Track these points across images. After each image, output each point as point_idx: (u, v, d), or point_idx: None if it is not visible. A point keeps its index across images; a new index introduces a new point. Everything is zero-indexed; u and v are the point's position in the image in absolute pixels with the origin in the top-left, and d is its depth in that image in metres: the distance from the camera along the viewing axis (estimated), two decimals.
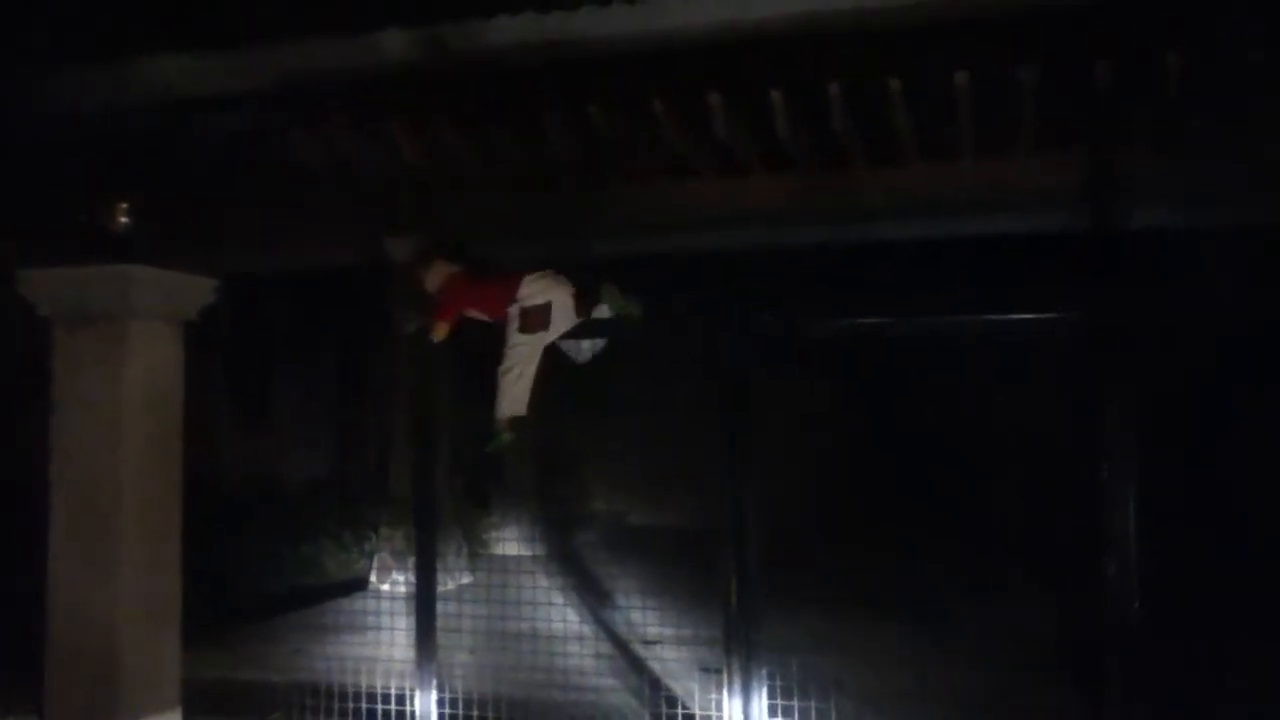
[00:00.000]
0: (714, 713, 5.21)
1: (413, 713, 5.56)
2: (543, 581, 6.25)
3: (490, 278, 5.46)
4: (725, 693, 5.15)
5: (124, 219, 5.62)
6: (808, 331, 5.66)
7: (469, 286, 5.43)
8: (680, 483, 7.48)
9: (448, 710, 5.53)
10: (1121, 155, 7.31)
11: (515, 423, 5.43)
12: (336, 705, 5.66)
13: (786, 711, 5.07)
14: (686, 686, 5.66)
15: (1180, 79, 6.44)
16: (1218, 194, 7.11)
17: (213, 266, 5.90)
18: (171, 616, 5.59)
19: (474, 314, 5.42)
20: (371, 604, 6.80)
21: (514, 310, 5.30)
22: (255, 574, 8.15)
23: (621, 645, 6.65)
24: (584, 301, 5.38)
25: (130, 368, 5.46)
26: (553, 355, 5.54)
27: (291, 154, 8.19)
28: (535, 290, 5.30)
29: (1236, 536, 6.27)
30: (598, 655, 6.24)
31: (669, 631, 6.27)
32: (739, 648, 5.15)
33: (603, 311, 5.39)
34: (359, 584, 8.12)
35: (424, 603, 5.68)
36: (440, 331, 5.37)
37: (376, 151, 8.24)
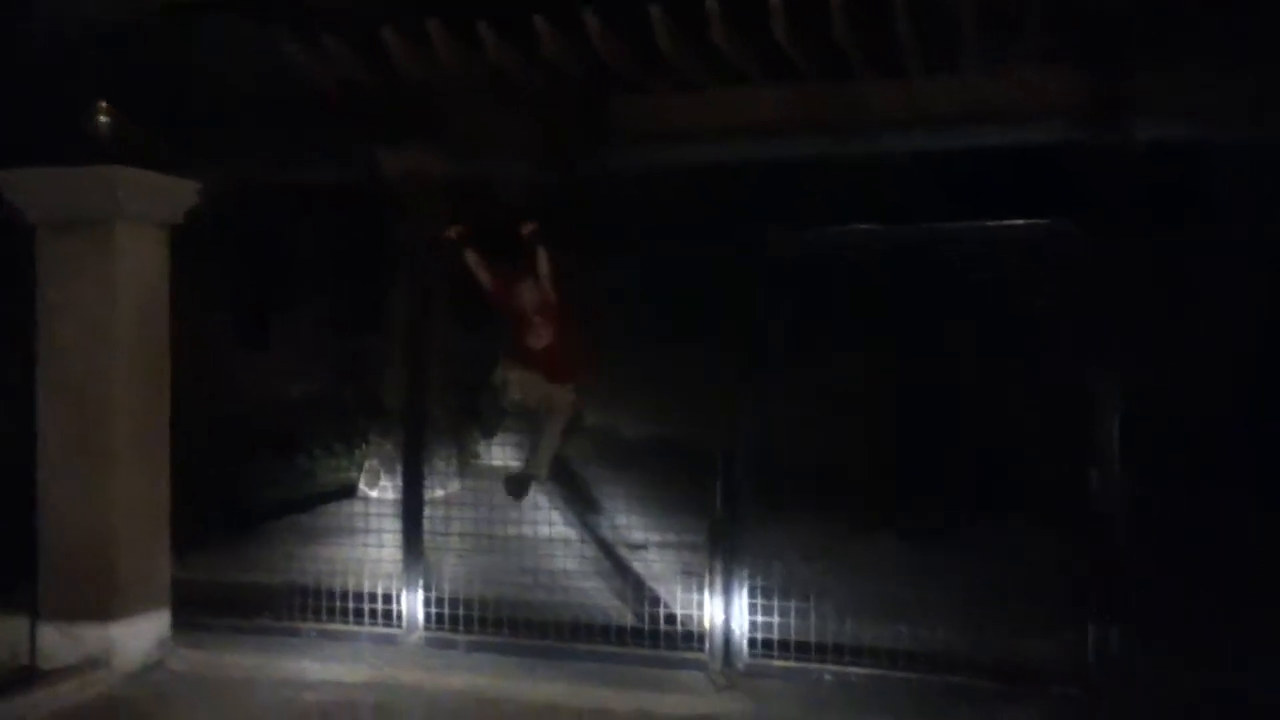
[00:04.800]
0: (695, 613, 5.30)
1: (399, 612, 5.66)
2: (532, 489, 6.28)
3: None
4: (707, 594, 5.23)
5: (110, 121, 5.56)
6: (808, 242, 5.65)
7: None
8: (675, 397, 7.49)
9: (434, 609, 5.63)
10: (1125, 68, 7.17)
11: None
12: (325, 604, 5.76)
13: (766, 611, 5.15)
14: (670, 589, 5.73)
15: None
16: (1221, 109, 6.98)
17: (202, 176, 5.86)
18: (161, 520, 5.67)
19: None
20: (360, 509, 6.86)
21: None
22: (249, 484, 8.23)
23: (607, 549, 6.73)
24: None
25: (118, 272, 5.46)
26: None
27: (282, 63, 8.06)
28: None
29: (1221, 454, 6.28)
30: (583, 558, 6.32)
31: (655, 537, 6.33)
32: (722, 552, 5.23)
33: None
34: (350, 491, 8.21)
35: (411, 507, 5.76)
36: None
37: (370, 62, 8.10)
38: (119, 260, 5.46)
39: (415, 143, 9.30)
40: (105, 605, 5.35)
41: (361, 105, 8.77)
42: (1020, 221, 5.21)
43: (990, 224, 5.33)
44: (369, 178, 9.28)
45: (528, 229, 5.89)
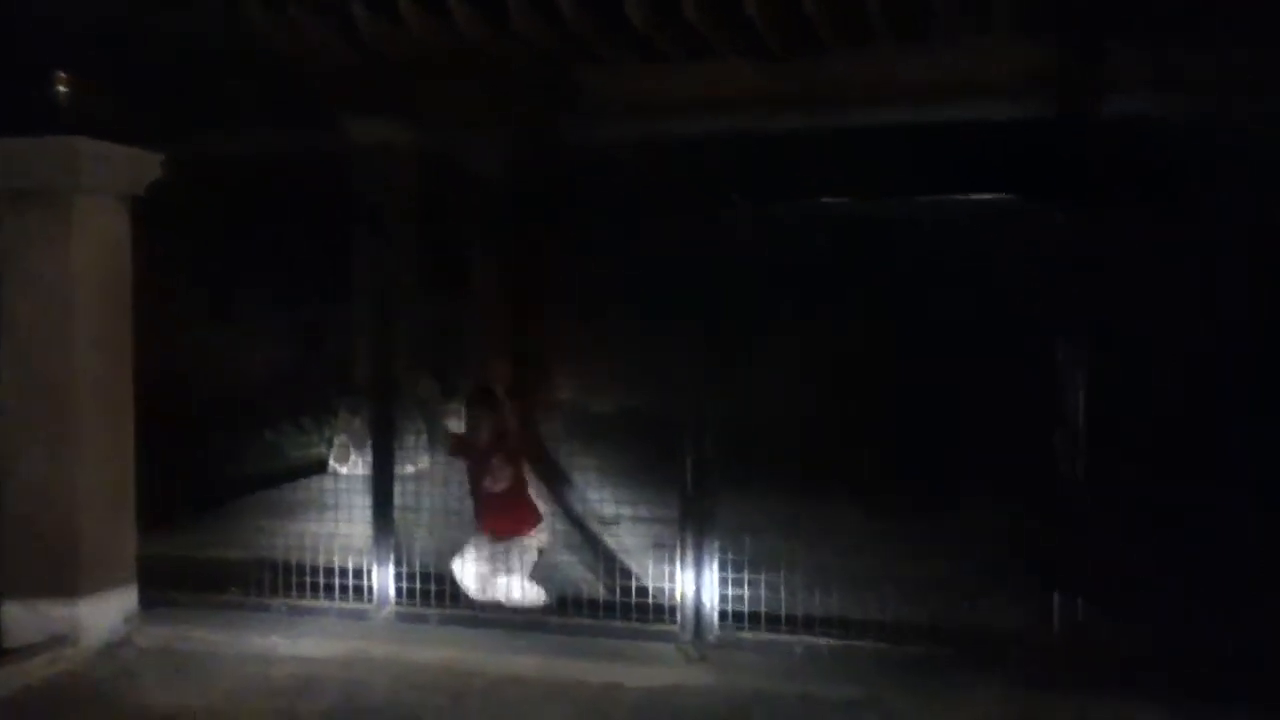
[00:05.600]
0: (666, 586, 5.32)
1: (370, 587, 5.64)
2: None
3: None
4: (678, 567, 5.25)
5: (69, 90, 5.46)
6: (777, 215, 5.65)
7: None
8: (645, 371, 7.48)
9: (405, 584, 5.62)
10: (1095, 42, 7.21)
11: None
12: (294, 580, 5.73)
13: (737, 584, 5.18)
14: (641, 562, 5.75)
15: None
16: (1190, 83, 7.03)
17: (167, 147, 5.77)
18: (127, 495, 5.61)
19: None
20: (330, 484, 6.82)
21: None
22: (217, 459, 8.17)
23: (579, 523, 6.74)
24: None
25: (79, 244, 5.38)
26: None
27: (249, 31, 7.94)
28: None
29: (1186, 425, 6.37)
30: (554, 532, 6.31)
31: (626, 511, 6.35)
32: (693, 526, 5.25)
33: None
34: (320, 467, 8.16)
35: (381, 482, 5.73)
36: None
37: (338, 32, 7.99)
38: (79, 233, 5.38)
39: (384, 113, 9.23)
40: (71, 582, 5.30)
41: (330, 75, 8.67)
42: (988, 196, 5.24)
43: (958, 198, 5.36)
44: (337, 148, 9.18)
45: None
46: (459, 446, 6.01)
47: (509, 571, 5.65)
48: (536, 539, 5.80)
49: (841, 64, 7.88)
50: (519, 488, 5.83)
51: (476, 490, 5.85)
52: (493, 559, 5.68)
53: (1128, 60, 7.02)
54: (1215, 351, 6.55)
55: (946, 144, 7.91)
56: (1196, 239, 6.53)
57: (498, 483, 5.77)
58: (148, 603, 5.61)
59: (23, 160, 5.30)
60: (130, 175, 5.56)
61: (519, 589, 5.66)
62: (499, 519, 5.79)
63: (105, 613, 5.39)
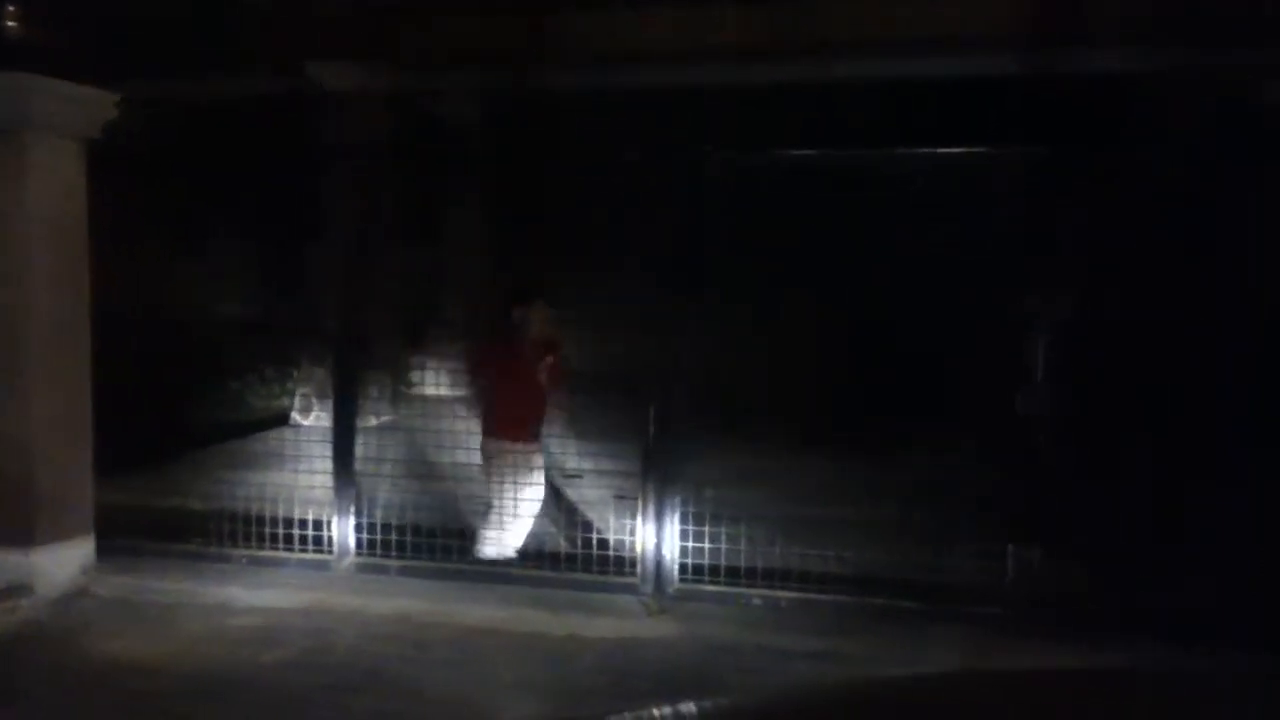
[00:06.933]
0: (628, 538, 5.33)
1: (330, 538, 5.62)
2: (468, 418, 6.24)
3: None
4: (639, 520, 5.26)
5: (21, 25, 5.31)
6: (747, 166, 5.61)
7: None
8: (611, 323, 7.43)
9: (365, 535, 5.60)
10: None
11: None
12: (255, 531, 5.69)
13: (698, 537, 5.20)
14: (603, 515, 5.76)
15: None
16: (1158, 40, 7.01)
17: (127, 88, 5.63)
18: (84, 442, 5.53)
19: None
20: (291, 434, 6.76)
21: None
22: (178, 407, 8.10)
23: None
24: None
25: (32, 183, 5.26)
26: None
27: None
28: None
29: (1149, 382, 6.42)
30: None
31: (589, 464, 6.34)
32: (655, 479, 5.25)
33: None
34: (283, 419, 8.09)
35: (343, 432, 5.69)
36: None
37: None
38: (33, 172, 5.25)
39: (357, 58, 9.04)
40: (27, 530, 5.23)
41: (299, 17, 8.49)
42: (959, 149, 5.21)
43: (928, 150, 5.34)
44: (306, 90, 9.00)
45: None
46: (502, 346, 5.77)
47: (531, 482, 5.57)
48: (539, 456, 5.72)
49: (822, 9, 7.78)
50: (551, 392, 5.72)
51: (505, 393, 5.65)
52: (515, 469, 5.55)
53: (1101, 14, 6.98)
54: (1186, 302, 6.58)
55: (922, 96, 7.87)
56: (1164, 192, 6.54)
57: (548, 380, 5.65)
58: (107, 552, 5.56)
59: None
60: (85, 114, 5.41)
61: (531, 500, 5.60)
62: (522, 425, 5.61)
63: (62, 562, 5.33)
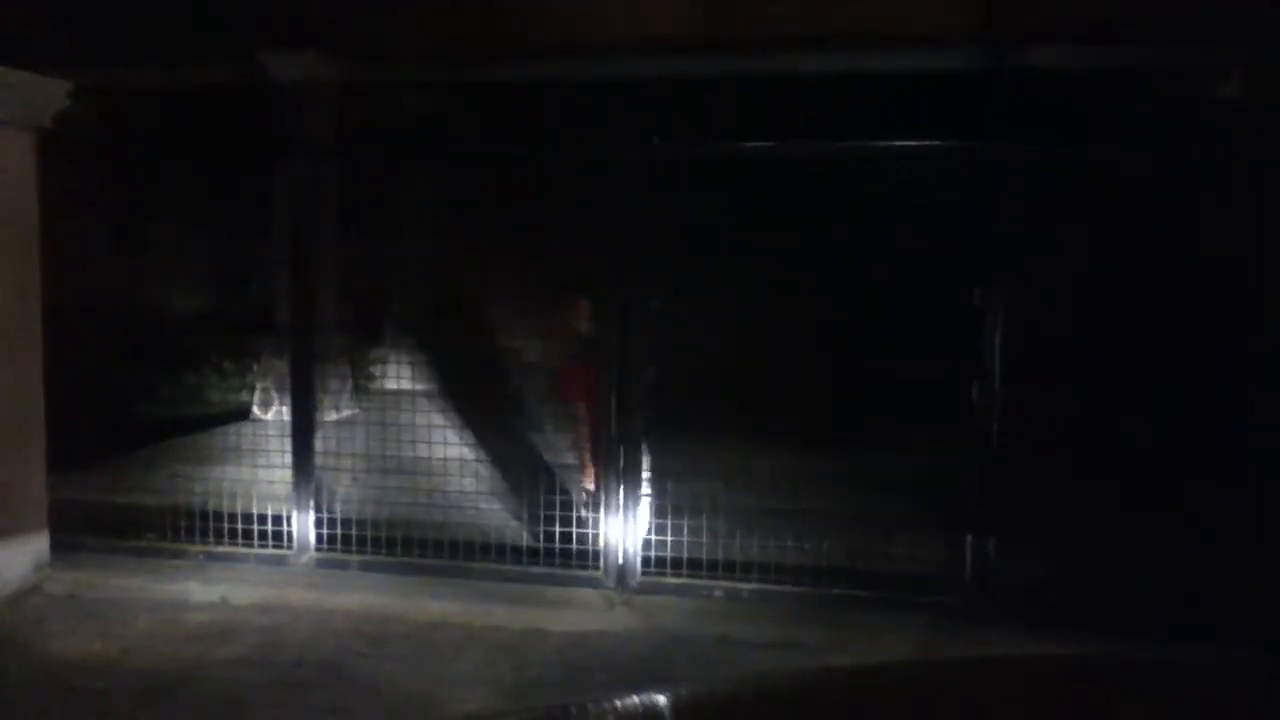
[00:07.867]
0: (590, 531, 5.34)
1: (289, 533, 5.57)
2: (429, 412, 6.22)
3: None
4: (602, 513, 5.26)
5: None
6: (699, 158, 5.62)
7: None
8: (570, 315, 7.42)
9: (325, 530, 5.56)
10: None
11: None
12: (212, 526, 5.63)
13: (660, 530, 5.21)
14: (565, 509, 5.74)
15: None
16: (1112, 34, 7.09)
17: (78, 76, 5.52)
18: (36, 436, 5.43)
19: None
20: (249, 429, 6.69)
21: None
22: (134, 402, 7.97)
23: (506, 470, 6.69)
24: None
25: None
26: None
27: None
28: None
29: (1104, 372, 6.50)
30: (478, 478, 6.28)
31: (551, 457, 6.33)
32: (617, 472, 5.25)
33: None
34: (242, 413, 7.98)
35: (302, 427, 5.64)
36: None
37: None
38: None
39: (308, 45, 8.93)
40: None
41: (251, 5, 8.37)
42: (912, 142, 5.26)
43: (882, 144, 5.37)
44: (258, 80, 8.88)
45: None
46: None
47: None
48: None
49: (773, 6, 7.81)
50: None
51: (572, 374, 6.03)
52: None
53: (1056, 8, 7.07)
54: (1142, 293, 6.66)
55: (874, 91, 7.90)
56: (1116, 186, 6.62)
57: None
58: (60, 548, 5.47)
59: None
60: (34, 103, 5.30)
61: None
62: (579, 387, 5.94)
63: (14, 559, 5.25)
